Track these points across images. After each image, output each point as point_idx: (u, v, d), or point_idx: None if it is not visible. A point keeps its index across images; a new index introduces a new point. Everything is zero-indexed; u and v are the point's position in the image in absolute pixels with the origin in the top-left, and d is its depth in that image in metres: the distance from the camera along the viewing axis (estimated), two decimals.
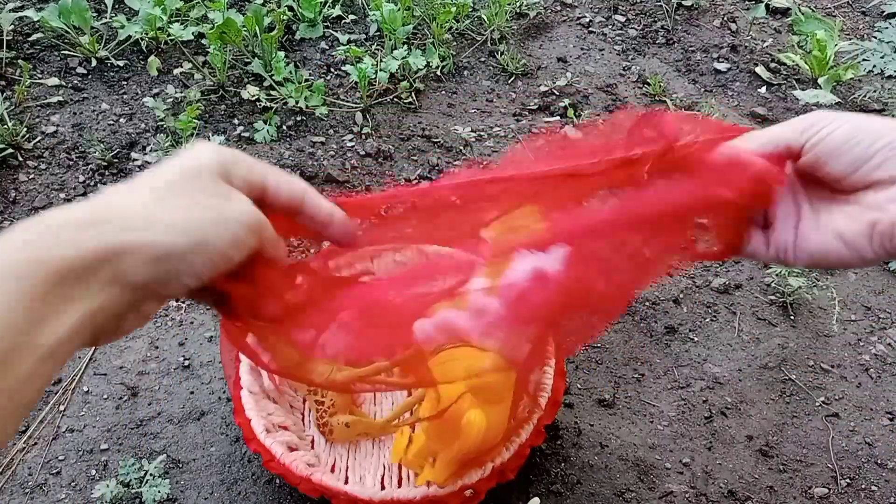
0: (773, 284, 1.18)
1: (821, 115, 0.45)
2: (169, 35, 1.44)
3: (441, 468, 0.76)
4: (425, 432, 0.81)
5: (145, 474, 0.88)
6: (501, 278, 0.66)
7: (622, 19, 1.73)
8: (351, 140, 1.37)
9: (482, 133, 1.42)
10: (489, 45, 1.61)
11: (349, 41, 1.54)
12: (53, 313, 0.32)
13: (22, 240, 0.32)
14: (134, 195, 0.37)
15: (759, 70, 1.62)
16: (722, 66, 1.62)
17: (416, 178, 1.32)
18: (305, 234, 0.48)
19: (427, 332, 0.71)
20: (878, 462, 0.98)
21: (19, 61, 1.38)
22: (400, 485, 0.86)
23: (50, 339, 0.32)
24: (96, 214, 0.35)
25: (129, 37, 1.44)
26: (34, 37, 1.45)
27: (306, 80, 1.43)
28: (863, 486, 0.96)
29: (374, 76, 1.41)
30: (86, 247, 0.33)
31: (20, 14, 1.42)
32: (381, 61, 1.43)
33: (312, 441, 0.91)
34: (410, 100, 1.45)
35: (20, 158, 1.25)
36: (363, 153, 1.34)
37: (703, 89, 1.57)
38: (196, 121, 1.27)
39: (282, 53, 1.43)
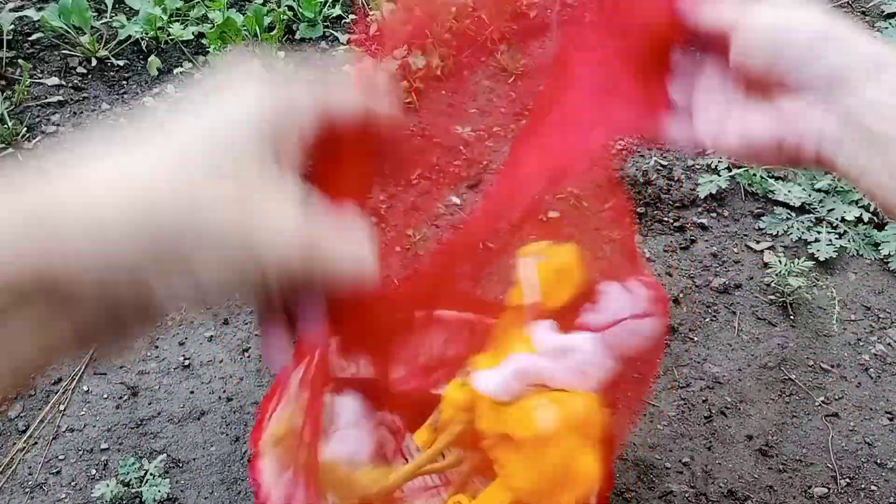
0: (772, 284, 1.18)
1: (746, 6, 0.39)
2: (169, 35, 1.44)
3: None
4: (513, 490, 0.65)
5: (145, 474, 0.88)
6: (594, 316, 0.60)
7: None
8: None
9: (482, 133, 1.42)
10: (489, 44, 1.61)
11: (349, 41, 1.54)
12: None
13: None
14: (115, 178, 0.26)
15: None
16: None
17: (415, 178, 1.32)
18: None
19: (503, 381, 0.65)
20: (878, 462, 0.98)
21: (19, 61, 1.38)
22: None
23: None
24: (39, 214, 0.24)
25: (130, 36, 1.44)
26: (34, 36, 1.45)
27: None
28: (862, 486, 0.96)
29: None
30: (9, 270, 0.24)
31: (20, 14, 1.42)
32: (380, 61, 1.43)
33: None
34: (410, 99, 1.45)
35: (20, 158, 1.25)
36: None
37: None
38: None
39: (282, 53, 1.43)
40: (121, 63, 1.43)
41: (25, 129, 1.27)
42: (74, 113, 1.34)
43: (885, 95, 0.36)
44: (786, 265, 1.17)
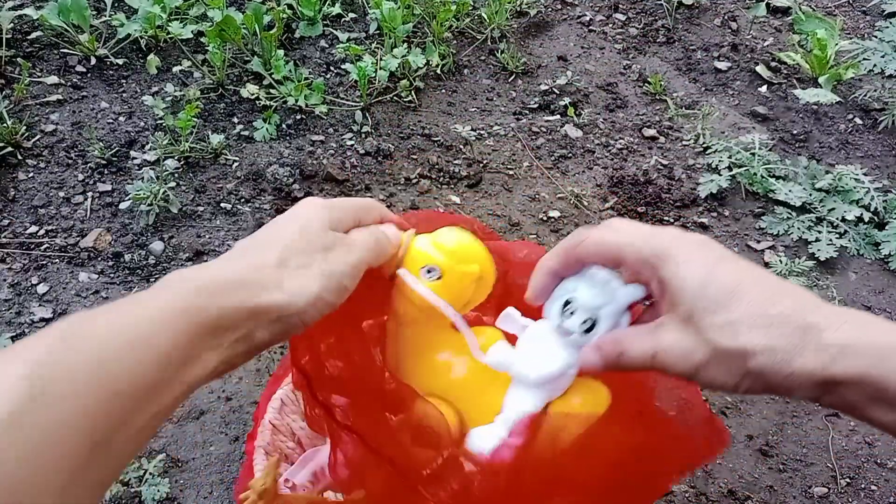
0: None
1: (668, 250, 0.43)
2: (168, 33, 1.43)
3: None
4: None
5: (144, 473, 0.88)
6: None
7: (623, 18, 1.73)
8: (351, 139, 1.36)
9: (482, 132, 1.42)
10: (489, 43, 1.60)
11: (349, 39, 1.54)
12: (199, 358, 0.38)
13: (181, 292, 0.38)
14: (264, 256, 0.43)
15: (760, 69, 1.61)
16: (722, 65, 1.62)
17: (415, 177, 1.32)
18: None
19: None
20: (878, 461, 0.98)
21: (19, 59, 1.38)
22: None
23: (191, 378, 0.37)
24: (242, 275, 0.41)
25: (129, 35, 1.44)
26: (33, 35, 1.44)
27: (306, 79, 1.42)
28: (862, 486, 0.96)
29: (373, 75, 1.41)
30: (235, 305, 0.39)
31: (20, 12, 1.42)
32: (380, 60, 1.43)
33: None
34: (410, 98, 1.45)
35: (19, 157, 1.25)
36: (363, 152, 1.34)
37: (703, 88, 1.57)
38: (195, 119, 1.27)
39: (281, 52, 1.42)
40: (120, 62, 1.42)
41: (25, 127, 1.27)
42: (74, 111, 1.34)
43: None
44: (786, 265, 1.17)
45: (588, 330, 0.50)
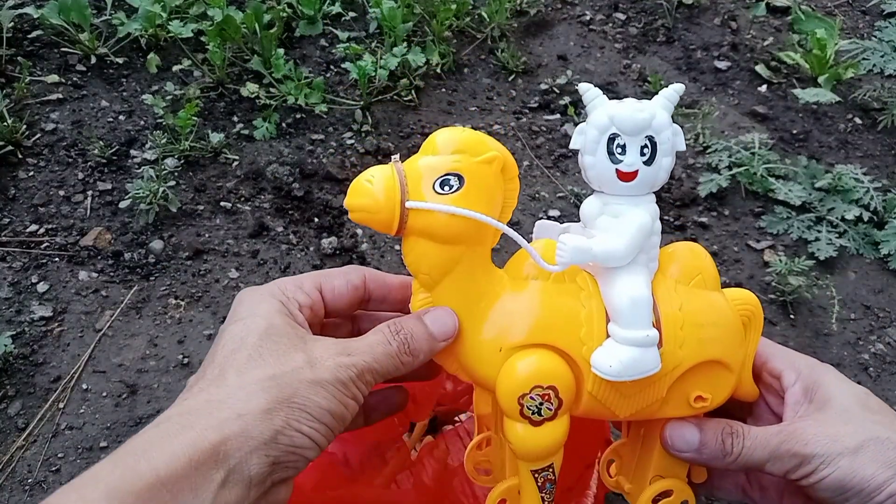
0: (773, 283, 1.18)
1: (814, 454, 0.41)
2: (168, 32, 1.43)
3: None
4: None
5: None
6: None
7: (623, 17, 1.73)
8: (350, 138, 1.36)
9: (482, 131, 1.42)
10: (489, 42, 1.60)
11: (349, 38, 1.54)
12: None
13: (110, 463, 0.31)
14: (219, 386, 0.35)
15: (760, 68, 1.61)
16: (722, 65, 1.62)
17: None
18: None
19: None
20: None
21: (19, 58, 1.38)
22: None
23: None
24: (183, 418, 0.33)
25: (129, 34, 1.44)
26: (34, 34, 1.44)
27: (306, 78, 1.42)
28: None
29: (373, 73, 1.41)
30: (177, 454, 0.31)
31: (20, 11, 1.42)
32: (380, 59, 1.43)
33: None
34: (410, 97, 1.45)
35: (20, 156, 1.25)
36: (363, 151, 1.34)
37: (703, 88, 1.57)
38: (195, 118, 1.27)
39: (281, 51, 1.42)
40: (120, 61, 1.42)
41: (25, 126, 1.27)
42: (74, 110, 1.34)
43: None
44: (786, 264, 1.17)
45: (649, 161, 0.40)
